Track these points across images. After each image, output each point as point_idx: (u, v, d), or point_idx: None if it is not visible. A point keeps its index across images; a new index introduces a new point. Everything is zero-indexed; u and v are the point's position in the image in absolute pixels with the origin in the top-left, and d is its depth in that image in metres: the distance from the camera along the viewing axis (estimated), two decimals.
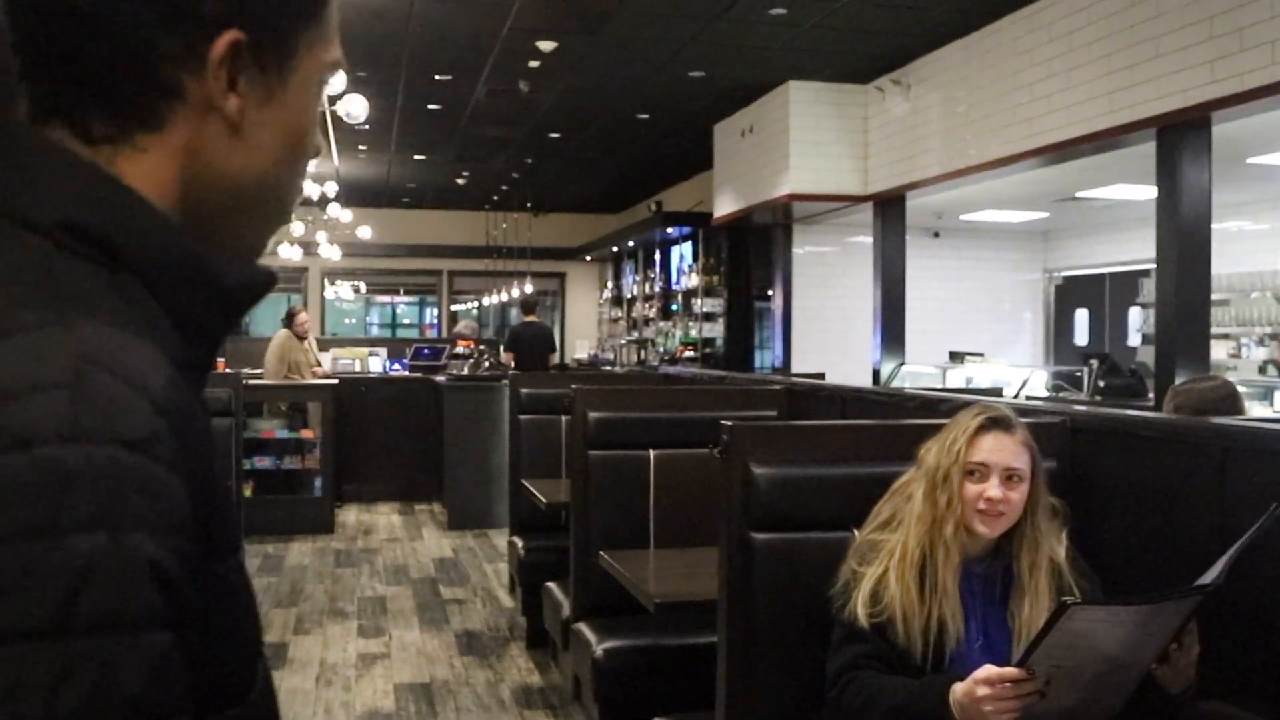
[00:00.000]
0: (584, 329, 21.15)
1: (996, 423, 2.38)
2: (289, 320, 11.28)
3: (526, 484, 5.85)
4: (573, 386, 4.73)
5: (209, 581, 0.79)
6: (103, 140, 0.87)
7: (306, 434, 9.79)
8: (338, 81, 7.96)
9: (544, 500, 5.34)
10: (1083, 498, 2.72)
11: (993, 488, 2.32)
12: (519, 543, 6.21)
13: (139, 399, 0.76)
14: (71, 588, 0.68)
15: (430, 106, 12.13)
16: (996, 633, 2.37)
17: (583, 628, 4.37)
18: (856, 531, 2.55)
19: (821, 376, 6.85)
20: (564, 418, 6.18)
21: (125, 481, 0.72)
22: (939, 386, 9.59)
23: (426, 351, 13.13)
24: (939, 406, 3.68)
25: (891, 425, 3.07)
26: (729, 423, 2.78)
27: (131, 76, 0.87)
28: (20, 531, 0.69)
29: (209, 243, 0.90)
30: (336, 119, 8.66)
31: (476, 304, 22.46)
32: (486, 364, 11.86)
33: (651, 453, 4.48)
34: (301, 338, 11.18)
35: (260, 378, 10.73)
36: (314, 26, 0.95)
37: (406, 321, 24.89)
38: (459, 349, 12.75)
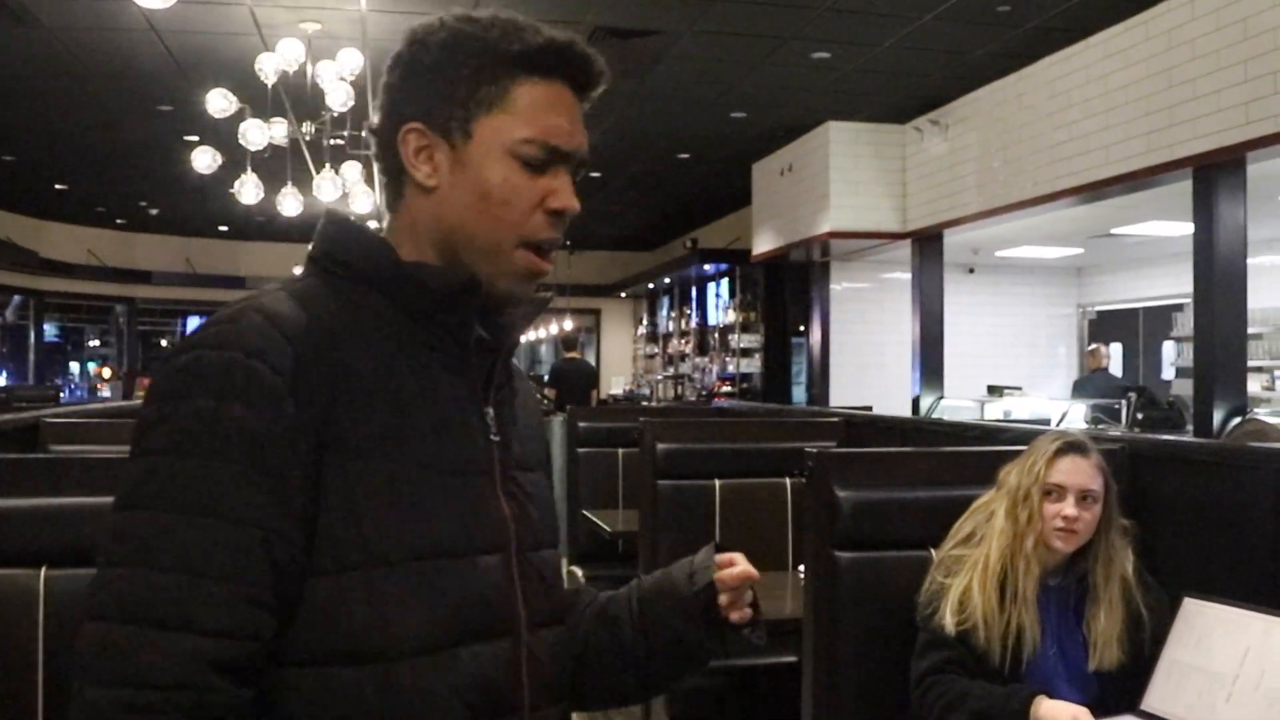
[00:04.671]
0: (619, 365, 21.36)
1: (1073, 447, 2.59)
2: None
3: (588, 514, 6.03)
4: (641, 419, 4.91)
5: (333, 467, 1.22)
6: (387, 208, 1.41)
7: None
8: None
9: (608, 529, 5.53)
10: (1142, 519, 2.89)
11: (1069, 507, 2.53)
12: (579, 572, 6.39)
13: (269, 329, 1.23)
14: (185, 428, 1.18)
15: None
16: (1070, 642, 2.57)
17: None
18: (934, 550, 2.75)
19: (870, 409, 7.03)
20: (620, 450, 6.38)
21: (238, 373, 1.20)
22: (978, 419, 9.75)
23: None
24: (999, 436, 3.87)
25: (964, 452, 3.27)
26: (814, 450, 2.98)
27: (386, 164, 1.39)
28: (170, 394, 1.21)
29: (459, 272, 1.35)
30: None
31: None
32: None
33: (717, 482, 4.68)
34: None
35: None
36: (495, 114, 1.34)
37: None
38: None
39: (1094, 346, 11.13)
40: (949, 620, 2.53)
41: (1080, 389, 10.88)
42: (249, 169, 8.15)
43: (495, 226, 1.34)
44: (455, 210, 1.34)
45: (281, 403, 1.20)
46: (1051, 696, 2.41)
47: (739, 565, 1.48)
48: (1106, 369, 11.25)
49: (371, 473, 1.23)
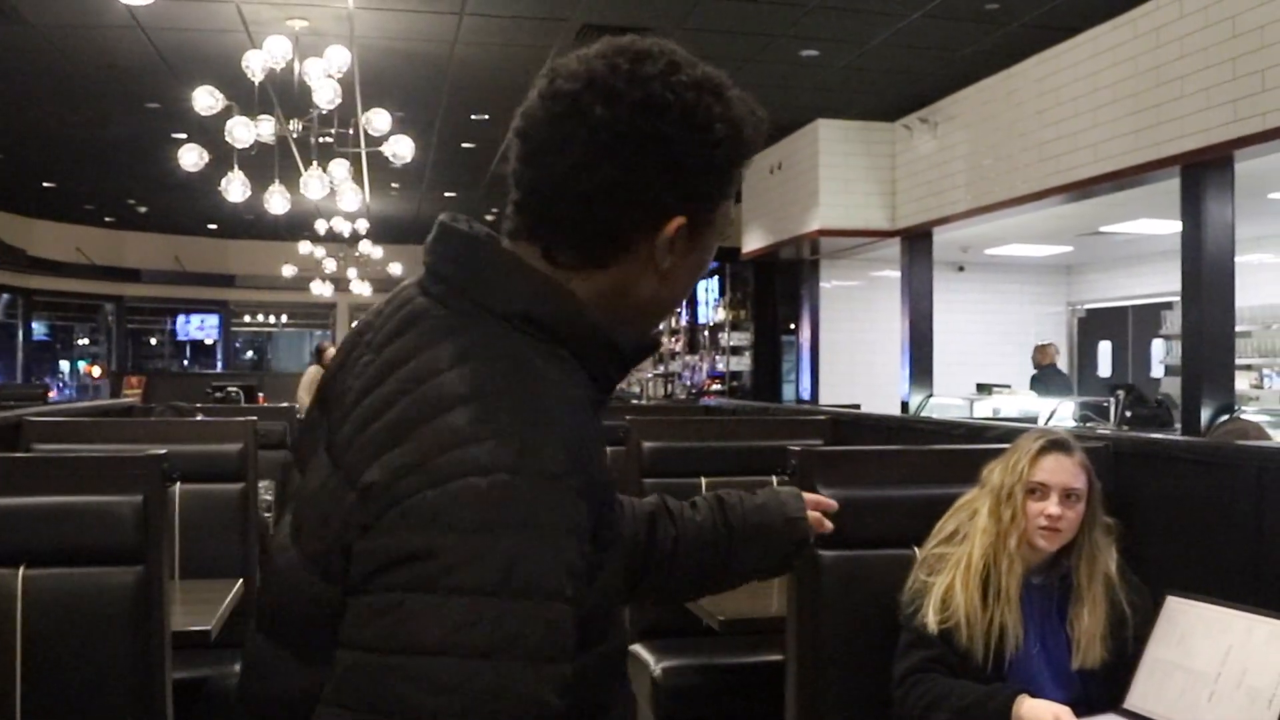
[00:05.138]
0: None
1: (1057, 445, 2.58)
2: (318, 356, 11.60)
3: None
4: (627, 418, 4.90)
5: (593, 567, 1.18)
6: (563, 266, 1.28)
7: None
8: (381, 122, 8.21)
9: None
10: (1126, 518, 2.88)
11: (1052, 505, 2.52)
12: None
13: (559, 446, 1.14)
14: (508, 565, 1.07)
15: (464, 145, 12.39)
16: (1053, 640, 2.56)
17: (639, 649, 4.51)
18: (917, 548, 2.74)
19: (858, 407, 7.03)
20: (609, 449, 6.37)
21: (545, 501, 1.11)
22: (967, 417, 9.76)
23: None
24: (984, 434, 3.86)
25: (947, 450, 3.26)
26: (797, 448, 2.97)
27: (603, 238, 1.28)
28: (476, 527, 1.08)
29: (613, 326, 1.30)
30: (374, 159, 8.89)
31: None
32: None
33: (703, 480, 4.66)
34: None
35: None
36: (728, 198, 1.33)
37: None
38: None
39: (1045, 343, 11.74)
40: (931, 619, 2.52)
41: (1037, 383, 11.13)
42: (236, 166, 8.13)
43: (687, 293, 1.41)
44: (673, 291, 1.34)
45: (583, 526, 1.16)
46: (1034, 695, 2.41)
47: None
48: (1055, 364, 11.65)
49: (602, 565, 1.24)
